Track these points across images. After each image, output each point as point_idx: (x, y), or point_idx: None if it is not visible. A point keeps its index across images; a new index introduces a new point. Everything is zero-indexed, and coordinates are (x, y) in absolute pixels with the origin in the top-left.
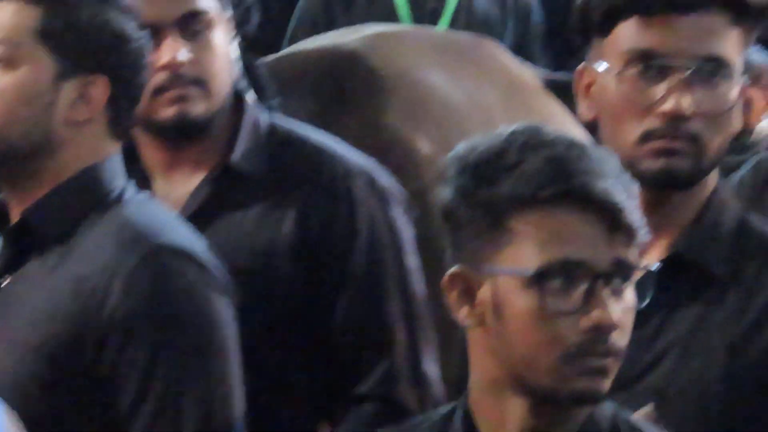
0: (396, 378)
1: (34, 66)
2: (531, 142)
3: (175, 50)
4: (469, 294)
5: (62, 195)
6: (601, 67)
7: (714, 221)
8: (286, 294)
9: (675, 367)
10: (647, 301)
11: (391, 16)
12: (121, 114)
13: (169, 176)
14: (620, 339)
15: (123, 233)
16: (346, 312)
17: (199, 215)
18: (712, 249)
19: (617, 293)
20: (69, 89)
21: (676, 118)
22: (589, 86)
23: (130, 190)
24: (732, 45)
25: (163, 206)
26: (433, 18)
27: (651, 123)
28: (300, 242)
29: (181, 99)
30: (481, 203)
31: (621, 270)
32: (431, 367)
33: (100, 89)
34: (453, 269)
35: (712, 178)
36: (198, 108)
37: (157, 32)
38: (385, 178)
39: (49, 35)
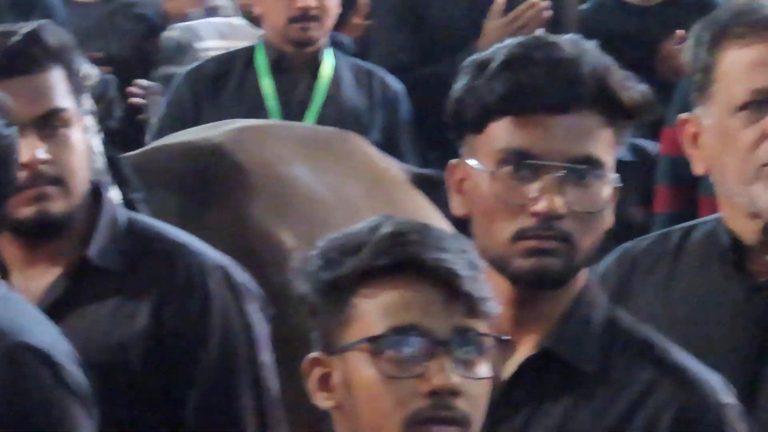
0: None
1: None
2: (377, 225)
3: (33, 149)
4: (325, 378)
5: None
6: (475, 164)
7: (583, 318)
8: (140, 389)
9: None
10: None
11: (259, 107)
12: None
13: (27, 270)
14: (467, 406)
15: None
16: (199, 407)
17: (55, 310)
18: (580, 345)
19: (464, 362)
20: None
21: (548, 218)
22: (461, 182)
23: None
24: (605, 145)
25: (26, 302)
26: (301, 110)
27: (523, 222)
28: (154, 337)
29: (40, 198)
30: (327, 286)
31: (461, 338)
32: None
33: None
34: (311, 355)
35: (583, 275)
36: (57, 206)
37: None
38: (240, 275)
39: None
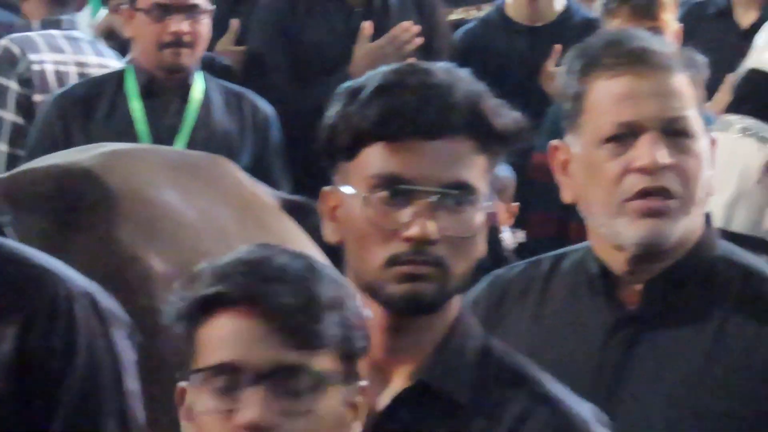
0: None
1: None
2: (226, 256)
3: None
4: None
5: None
6: (347, 190)
7: (458, 347)
8: (3, 414)
9: None
10: None
11: (128, 131)
12: None
13: None
14: None
15: None
16: None
17: None
18: (455, 376)
19: (287, 397)
20: None
21: (421, 243)
22: (334, 209)
23: None
24: (478, 170)
25: None
26: (171, 134)
27: (396, 247)
28: (17, 362)
29: None
30: (180, 315)
31: (284, 372)
32: None
33: None
34: (180, 384)
35: (456, 303)
36: None
37: None
38: (107, 301)
39: None
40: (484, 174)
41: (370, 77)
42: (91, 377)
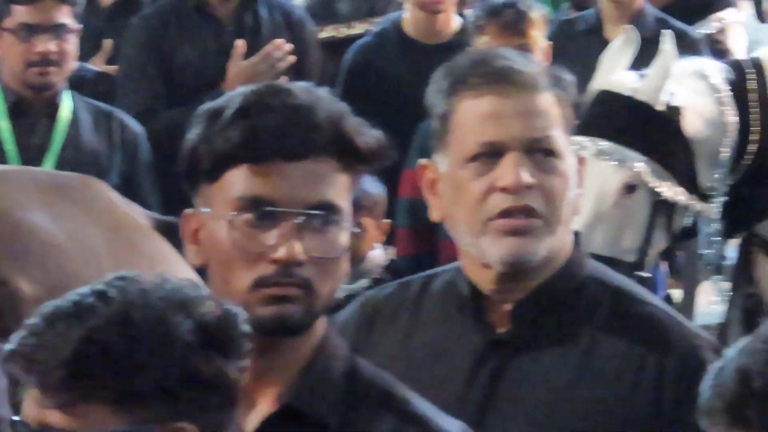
0: None
1: None
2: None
3: None
4: None
5: None
6: (211, 212)
7: (324, 369)
8: None
9: None
10: None
11: None
12: None
13: None
14: None
15: None
16: None
17: None
18: (322, 398)
19: None
20: None
21: (288, 265)
22: (196, 231)
23: None
24: (341, 190)
25: None
26: (39, 154)
27: (263, 270)
28: None
29: None
30: None
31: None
32: None
33: None
34: None
35: (321, 324)
36: None
37: None
38: None
39: None
40: (347, 193)
41: (230, 98)
42: None
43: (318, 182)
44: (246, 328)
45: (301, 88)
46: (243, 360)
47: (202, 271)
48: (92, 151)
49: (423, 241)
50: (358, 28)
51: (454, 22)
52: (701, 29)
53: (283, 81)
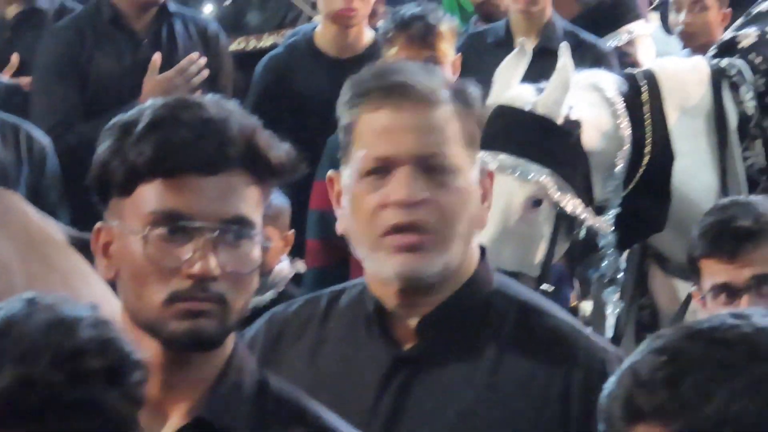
0: None
1: None
2: None
3: None
4: None
5: None
6: (123, 226)
7: (235, 382)
8: None
9: None
10: None
11: None
12: None
13: None
14: None
15: None
16: None
17: None
18: (233, 412)
19: None
20: None
21: (203, 280)
22: (107, 245)
23: None
24: (254, 204)
25: None
26: None
27: (177, 284)
28: None
29: None
30: None
31: None
32: None
33: None
34: None
35: (230, 338)
36: None
37: None
38: None
39: None
40: (259, 207)
41: (141, 111)
42: None
43: (231, 196)
44: (137, 356)
45: (211, 101)
46: (132, 388)
47: (114, 284)
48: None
49: (333, 253)
50: (268, 40)
51: (366, 36)
52: (610, 42)
53: (198, 95)
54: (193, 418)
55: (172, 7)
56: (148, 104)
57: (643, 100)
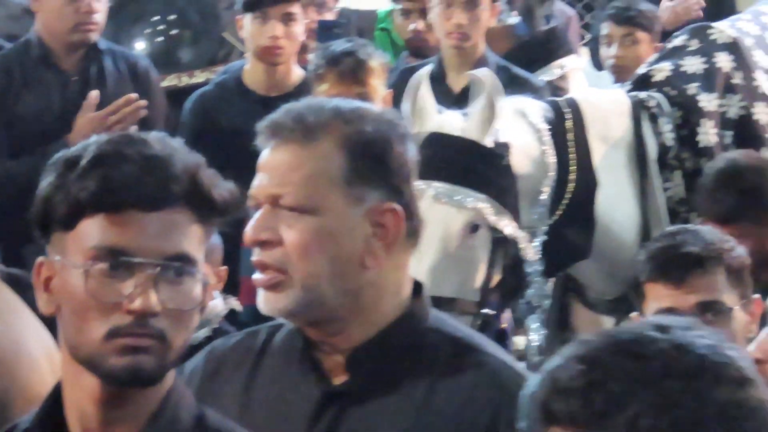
0: None
1: None
2: None
3: None
4: None
5: None
6: (65, 261)
7: (172, 417)
8: None
9: None
10: None
11: None
12: None
13: None
14: None
15: None
16: None
17: None
18: None
19: None
20: None
21: (143, 316)
22: (49, 280)
23: None
24: (196, 242)
25: None
26: None
27: (118, 320)
28: None
29: None
30: None
31: None
32: None
33: None
34: None
35: (170, 374)
36: None
37: None
38: None
39: None
40: (201, 245)
41: (85, 147)
42: None
43: (174, 233)
44: None
45: (156, 138)
46: None
47: (53, 320)
48: None
49: None
50: (199, 76)
51: (295, 74)
52: (543, 76)
53: (133, 131)
54: None
55: (103, 44)
56: (92, 140)
57: (567, 127)
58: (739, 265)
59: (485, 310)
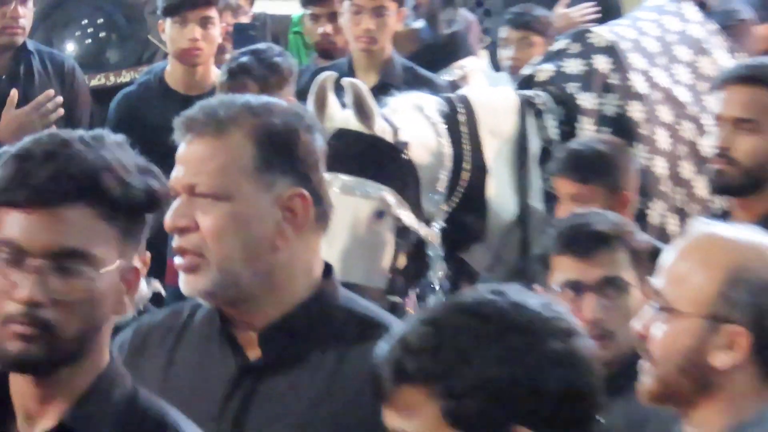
0: None
1: None
2: None
3: None
4: None
5: None
6: None
7: (103, 395)
8: None
9: None
10: None
11: None
12: None
13: None
14: None
15: None
16: None
17: None
18: (96, 421)
19: None
20: None
21: (29, 306)
22: None
23: None
24: (96, 238)
25: None
26: None
27: (10, 308)
28: None
29: None
30: None
31: None
32: None
33: None
34: None
35: (104, 354)
36: None
37: None
38: None
39: None
40: (110, 240)
41: (19, 143)
42: None
43: (67, 229)
44: None
45: (79, 137)
46: None
47: None
48: None
49: None
50: (126, 76)
51: (213, 74)
52: (445, 76)
53: (53, 129)
54: (57, 424)
55: (31, 45)
56: (30, 137)
57: (460, 121)
58: (640, 249)
59: (393, 297)
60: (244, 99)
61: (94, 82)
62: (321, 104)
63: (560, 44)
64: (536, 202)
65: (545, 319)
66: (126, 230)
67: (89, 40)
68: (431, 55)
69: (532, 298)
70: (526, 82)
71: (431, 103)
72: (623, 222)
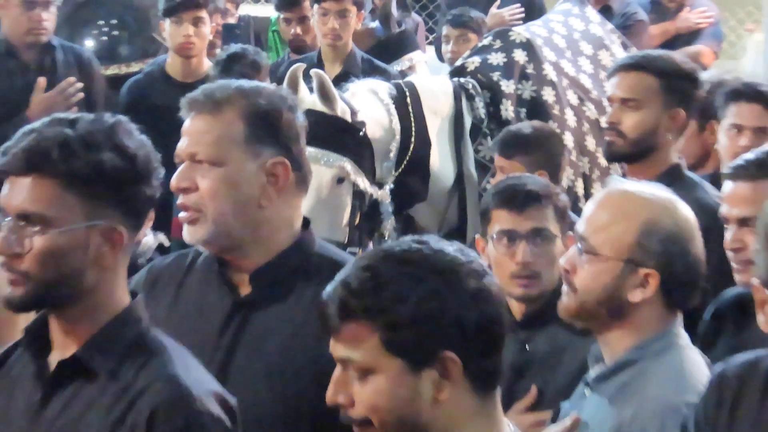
0: None
1: None
2: None
3: None
4: None
5: None
6: None
7: (114, 332)
8: None
9: None
10: None
11: None
12: None
13: None
14: None
15: None
16: None
17: None
18: (103, 355)
19: None
20: None
21: (8, 256)
22: None
23: None
24: (57, 204)
25: None
26: None
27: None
28: None
29: None
30: None
31: None
32: None
33: None
34: None
35: (123, 298)
36: None
37: None
38: None
39: None
40: (70, 206)
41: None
42: None
43: (28, 195)
44: None
45: (83, 119)
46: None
47: None
48: None
49: None
50: (135, 66)
51: (206, 65)
52: (396, 66)
53: (74, 110)
54: (71, 355)
55: (55, 41)
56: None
57: (408, 102)
58: (563, 207)
59: (352, 249)
60: (237, 83)
61: (109, 72)
62: (293, 90)
63: (486, 41)
64: (470, 169)
65: (462, 262)
66: (91, 196)
67: (105, 37)
68: (385, 50)
69: (449, 246)
70: (458, 72)
71: (384, 88)
72: (550, 185)
